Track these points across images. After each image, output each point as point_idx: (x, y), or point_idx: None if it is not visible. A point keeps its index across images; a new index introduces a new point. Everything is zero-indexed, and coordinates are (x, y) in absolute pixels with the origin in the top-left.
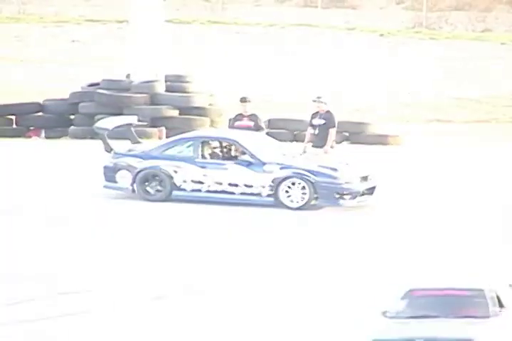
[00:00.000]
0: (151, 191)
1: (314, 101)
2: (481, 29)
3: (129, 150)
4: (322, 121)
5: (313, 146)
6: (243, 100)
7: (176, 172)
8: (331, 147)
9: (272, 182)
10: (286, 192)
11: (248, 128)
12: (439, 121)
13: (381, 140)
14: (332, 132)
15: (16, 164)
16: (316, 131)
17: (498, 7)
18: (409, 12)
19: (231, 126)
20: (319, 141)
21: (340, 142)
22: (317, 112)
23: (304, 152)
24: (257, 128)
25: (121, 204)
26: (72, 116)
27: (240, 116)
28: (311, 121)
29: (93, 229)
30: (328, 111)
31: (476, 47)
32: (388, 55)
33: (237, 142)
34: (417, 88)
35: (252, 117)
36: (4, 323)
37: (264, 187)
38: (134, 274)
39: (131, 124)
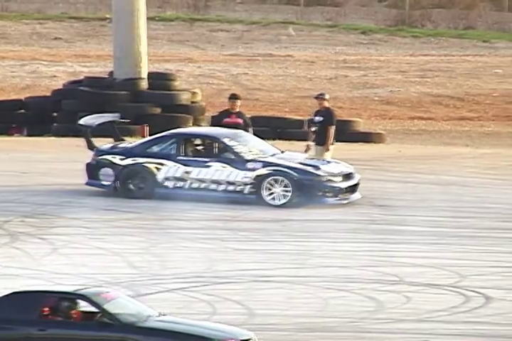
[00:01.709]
0: (134, 188)
1: (316, 97)
2: (463, 26)
3: (112, 148)
4: (321, 118)
5: (315, 144)
6: (234, 97)
7: (158, 169)
8: (331, 144)
9: (255, 179)
10: (269, 189)
11: (238, 125)
12: (422, 119)
13: (364, 137)
14: (330, 130)
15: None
16: (316, 128)
17: (480, 5)
18: (392, 10)
19: (218, 123)
20: (318, 138)
21: None
22: (319, 109)
23: (308, 149)
24: (246, 125)
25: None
26: (54, 114)
27: (227, 113)
28: (313, 118)
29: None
30: (327, 109)
31: (458, 44)
32: (370, 53)
33: (220, 140)
34: (399, 85)
35: (240, 114)
36: None
37: (246, 184)
38: None
39: (114, 122)
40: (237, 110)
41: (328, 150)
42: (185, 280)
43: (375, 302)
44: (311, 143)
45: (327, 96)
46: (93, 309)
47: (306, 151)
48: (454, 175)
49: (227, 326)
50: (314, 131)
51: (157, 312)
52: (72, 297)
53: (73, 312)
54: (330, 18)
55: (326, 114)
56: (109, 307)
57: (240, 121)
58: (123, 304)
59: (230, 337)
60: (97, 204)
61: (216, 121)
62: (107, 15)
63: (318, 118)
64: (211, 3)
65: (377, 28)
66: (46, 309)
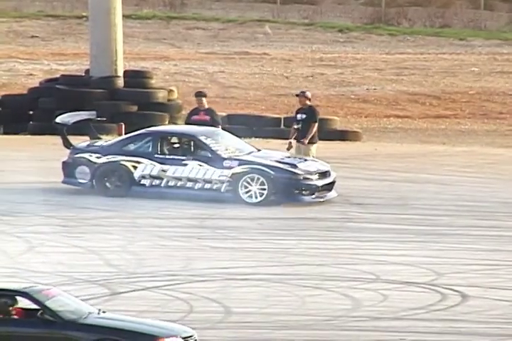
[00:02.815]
0: (110, 186)
1: (297, 95)
2: (439, 25)
3: (88, 146)
4: (304, 116)
5: (297, 141)
6: (199, 94)
7: (135, 167)
8: (314, 142)
9: (231, 177)
10: (245, 187)
11: (204, 122)
12: (398, 117)
13: (341, 136)
14: (313, 127)
15: None
16: (299, 126)
17: (456, 3)
18: (368, 8)
19: (187, 121)
20: (302, 136)
21: None
22: (301, 107)
23: (291, 147)
24: (213, 122)
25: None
26: (31, 112)
27: (196, 111)
28: (295, 116)
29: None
30: (310, 106)
31: (435, 42)
32: (346, 51)
33: (197, 138)
34: (375, 83)
35: (208, 111)
36: None
37: (223, 182)
38: None
39: (90, 120)
40: (206, 107)
41: (304, 144)
42: (162, 279)
43: (351, 300)
44: (293, 141)
45: (308, 94)
46: (35, 306)
47: (288, 149)
48: (431, 173)
49: (170, 323)
50: (297, 129)
51: (97, 309)
52: (13, 294)
53: (14, 309)
54: (306, 16)
55: (309, 111)
56: (51, 305)
57: (207, 118)
58: (64, 301)
59: (172, 334)
60: (74, 202)
61: (186, 119)
62: (84, 14)
63: (300, 116)
64: (188, 1)
65: (353, 26)
66: None
